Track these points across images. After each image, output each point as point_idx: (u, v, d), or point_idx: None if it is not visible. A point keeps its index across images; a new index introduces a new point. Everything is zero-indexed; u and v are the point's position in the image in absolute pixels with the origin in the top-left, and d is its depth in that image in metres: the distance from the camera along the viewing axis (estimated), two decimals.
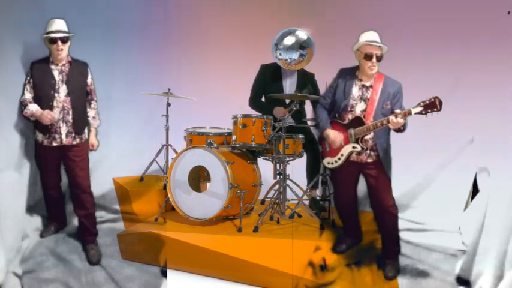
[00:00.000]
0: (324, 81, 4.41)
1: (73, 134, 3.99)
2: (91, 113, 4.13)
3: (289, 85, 4.57)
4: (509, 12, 4.25)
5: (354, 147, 3.69)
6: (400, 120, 3.50)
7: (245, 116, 4.24)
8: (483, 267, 3.73)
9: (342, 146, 3.73)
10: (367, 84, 3.72)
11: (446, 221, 4.27)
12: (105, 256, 4.03)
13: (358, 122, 3.67)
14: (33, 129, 4.02)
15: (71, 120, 3.96)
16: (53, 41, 3.92)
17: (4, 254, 3.65)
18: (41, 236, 4.12)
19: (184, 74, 5.10)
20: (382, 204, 3.71)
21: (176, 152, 4.58)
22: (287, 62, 4.45)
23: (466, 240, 4.06)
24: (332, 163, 3.79)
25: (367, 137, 3.68)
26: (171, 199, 4.23)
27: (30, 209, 4.16)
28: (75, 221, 4.24)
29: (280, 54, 4.45)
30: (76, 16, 4.14)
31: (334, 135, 3.72)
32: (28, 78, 3.97)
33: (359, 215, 3.99)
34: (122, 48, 4.82)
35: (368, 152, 3.70)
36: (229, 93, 5.10)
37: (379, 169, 3.69)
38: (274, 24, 4.74)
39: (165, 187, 4.44)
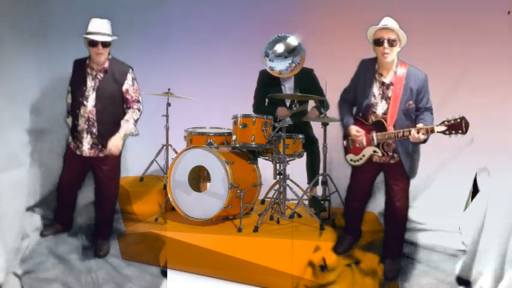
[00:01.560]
0: (324, 81, 4.42)
1: (99, 146, 3.86)
2: (126, 116, 3.89)
3: (287, 88, 4.57)
4: (509, 12, 4.24)
5: (375, 151, 3.62)
6: (422, 137, 3.36)
7: (245, 116, 4.24)
8: (483, 267, 3.73)
9: (364, 146, 3.66)
10: (387, 81, 3.55)
11: (446, 221, 4.26)
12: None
13: (380, 125, 3.56)
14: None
15: (96, 133, 3.83)
16: (93, 43, 3.70)
17: (4, 254, 3.65)
18: (42, 235, 4.09)
19: (184, 74, 5.09)
20: (397, 205, 3.66)
21: (176, 152, 4.58)
22: (278, 70, 4.40)
23: (466, 240, 4.05)
24: (354, 161, 3.72)
25: (391, 140, 3.56)
26: (171, 199, 4.23)
27: (30, 209, 4.16)
28: (78, 221, 4.25)
29: (271, 62, 4.40)
30: (75, 16, 4.13)
31: (356, 132, 3.61)
32: (70, 79, 3.88)
33: (364, 215, 3.98)
34: (122, 48, 4.81)
35: (391, 154, 3.60)
36: (229, 93, 5.10)
37: (400, 171, 3.60)
38: (274, 24, 4.74)
39: (165, 187, 4.44)
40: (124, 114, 3.93)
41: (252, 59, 4.75)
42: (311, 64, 4.55)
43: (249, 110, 4.60)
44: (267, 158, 4.38)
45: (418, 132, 3.36)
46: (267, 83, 4.59)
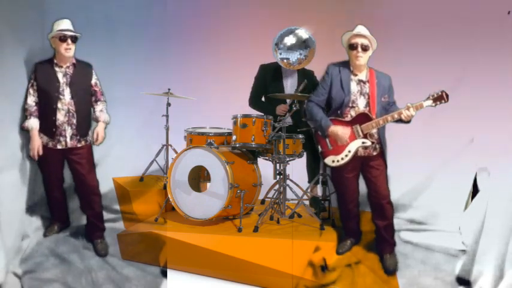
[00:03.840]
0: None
1: (78, 137, 3.98)
2: (98, 107, 4.10)
3: (290, 85, 4.57)
4: (509, 12, 4.24)
5: (363, 143, 3.72)
6: (413, 113, 3.65)
7: (245, 116, 4.24)
8: (483, 267, 3.73)
9: (347, 143, 3.73)
10: (364, 79, 3.77)
11: (446, 221, 4.26)
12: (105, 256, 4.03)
13: (364, 117, 3.71)
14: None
15: (75, 123, 3.95)
16: (63, 39, 3.89)
17: (4, 254, 3.65)
18: (45, 235, 4.11)
19: (184, 74, 5.09)
20: (384, 195, 3.75)
21: (176, 152, 4.58)
22: (289, 62, 4.43)
23: (466, 240, 4.05)
24: (338, 161, 3.77)
25: (373, 131, 3.73)
26: (171, 199, 4.23)
27: (30, 209, 4.15)
28: (78, 221, 4.25)
29: (281, 54, 4.43)
30: (76, 16, 4.13)
31: (342, 130, 3.72)
32: (32, 81, 3.94)
33: (360, 213, 3.99)
34: (122, 48, 4.81)
35: (374, 145, 3.75)
36: (229, 93, 5.10)
37: (382, 160, 3.77)
38: (274, 24, 4.74)
39: (165, 187, 4.44)
40: (91, 106, 4.11)
41: (253, 58, 4.75)
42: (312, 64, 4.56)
43: (249, 110, 4.60)
44: (267, 158, 4.38)
45: (408, 110, 3.65)
46: (268, 78, 4.59)
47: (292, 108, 4.21)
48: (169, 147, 4.87)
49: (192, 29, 5.22)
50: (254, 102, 4.66)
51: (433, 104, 3.66)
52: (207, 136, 4.45)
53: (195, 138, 4.48)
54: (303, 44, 4.41)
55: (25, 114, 3.94)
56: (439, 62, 4.45)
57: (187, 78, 5.08)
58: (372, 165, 3.76)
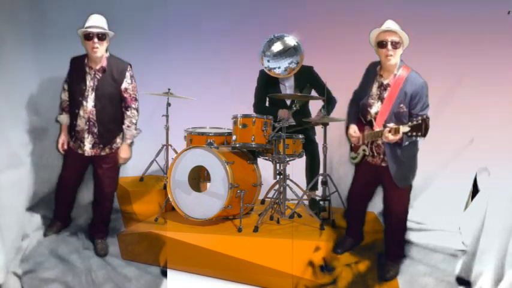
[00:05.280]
0: (324, 80, 4.43)
1: (100, 145, 3.86)
2: (126, 121, 3.90)
3: (288, 88, 4.56)
4: (509, 12, 4.24)
5: (363, 150, 3.64)
6: (390, 137, 3.32)
7: (245, 116, 4.24)
8: (483, 267, 3.73)
9: (361, 144, 3.67)
10: (385, 82, 3.53)
11: (446, 221, 4.26)
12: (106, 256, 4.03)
13: (370, 124, 3.57)
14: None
15: (96, 132, 3.83)
16: (89, 37, 3.69)
17: (4, 254, 3.65)
18: (45, 235, 4.10)
19: (184, 74, 5.09)
20: (391, 209, 3.67)
21: (176, 152, 4.58)
22: (276, 71, 4.39)
23: (466, 240, 4.05)
24: (353, 158, 3.76)
25: (380, 141, 3.53)
26: (171, 199, 4.23)
27: (30, 209, 4.16)
28: (79, 220, 4.25)
29: (269, 62, 4.39)
30: (75, 16, 4.13)
31: (352, 132, 3.65)
32: (66, 76, 3.86)
33: (365, 217, 3.97)
34: (122, 48, 4.80)
35: (382, 156, 3.58)
36: (229, 93, 5.10)
37: (390, 175, 3.55)
38: (275, 24, 4.74)
39: (165, 187, 4.44)
40: (122, 112, 3.92)
41: (253, 59, 4.75)
42: (312, 62, 4.55)
43: (249, 110, 4.60)
44: (267, 158, 4.38)
45: (389, 132, 3.32)
46: (267, 82, 4.58)
47: (292, 108, 4.20)
48: (169, 147, 4.87)
49: (192, 29, 5.21)
50: (258, 107, 4.63)
51: (409, 134, 3.21)
52: (207, 136, 4.45)
53: (195, 138, 4.48)
54: (291, 52, 4.35)
55: (61, 104, 3.92)
56: (438, 62, 4.45)
57: (187, 78, 5.08)
58: (383, 176, 3.63)
